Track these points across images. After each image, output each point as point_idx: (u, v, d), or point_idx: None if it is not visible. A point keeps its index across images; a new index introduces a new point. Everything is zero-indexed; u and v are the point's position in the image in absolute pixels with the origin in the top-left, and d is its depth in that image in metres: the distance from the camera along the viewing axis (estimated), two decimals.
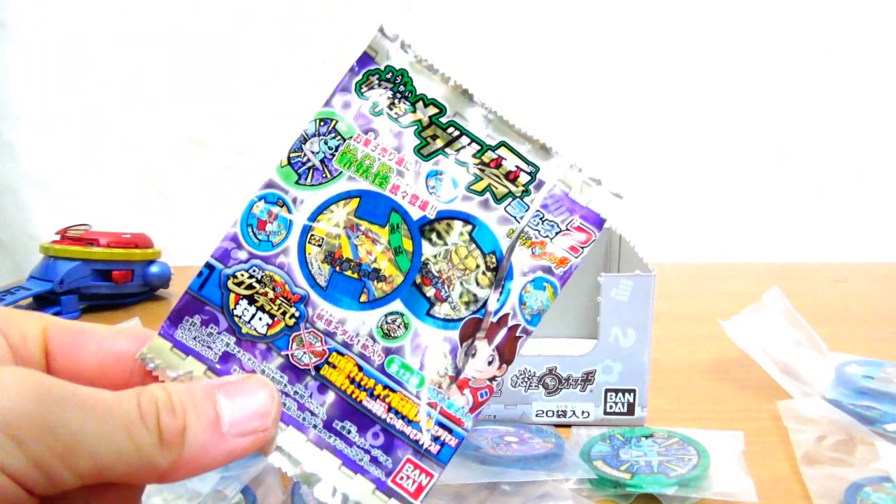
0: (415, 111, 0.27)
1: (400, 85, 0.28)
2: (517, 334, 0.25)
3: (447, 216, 0.26)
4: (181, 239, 0.80)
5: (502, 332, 0.25)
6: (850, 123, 0.83)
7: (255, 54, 0.82)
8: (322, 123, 0.27)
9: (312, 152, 0.26)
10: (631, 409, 0.40)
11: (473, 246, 0.26)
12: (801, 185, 0.85)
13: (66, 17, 0.81)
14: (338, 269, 0.25)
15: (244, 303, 0.25)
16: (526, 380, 0.39)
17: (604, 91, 0.82)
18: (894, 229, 0.86)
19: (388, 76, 0.28)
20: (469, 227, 0.26)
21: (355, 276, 0.25)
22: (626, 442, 0.37)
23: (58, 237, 0.67)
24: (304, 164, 0.26)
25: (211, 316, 0.24)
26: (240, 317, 0.25)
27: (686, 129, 0.83)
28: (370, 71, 0.28)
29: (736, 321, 0.48)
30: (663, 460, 0.34)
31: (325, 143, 0.27)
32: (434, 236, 0.26)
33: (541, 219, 0.26)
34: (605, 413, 0.40)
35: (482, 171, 0.27)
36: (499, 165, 0.27)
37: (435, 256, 0.26)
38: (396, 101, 0.27)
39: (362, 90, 0.28)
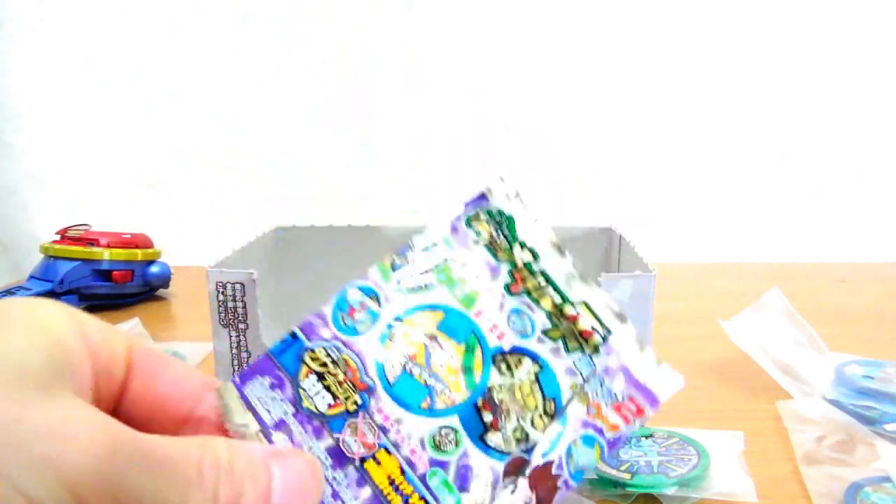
0: (511, 252, 0.30)
1: (504, 226, 0.30)
2: (557, 485, 0.25)
3: (519, 352, 0.27)
4: (181, 239, 0.80)
5: (545, 479, 0.26)
6: (851, 123, 0.83)
7: (255, 54, 0.82)
8: (431, 245, 0.30)
9: (414, 261, 0.29)
10: None
11: (537, 387, 0.27)
12: (801, 185, 0.85)
13: (66, 17, 0.81)
14: (409, 371, 0.27)
15: (313, 377, 0.26)
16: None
17: (605, 91, 0.82)
18: (894, 229, 0.86)
19: (496, 217, 0.31)
20: (537, 368, 0.27)
21: (422, 381, 0.26)
22: (626, 442, 0.37)
23: (58, 237, 0.67)
24: (404, 269, 0.29)
25: (279, 381, 0.26)
26: (305, 390, 0.26)
27: (686, 130, 0.83)
28: (481, 208, 0.31)
29: (736, 321, 0.48)
30: (663, 460, 0.34)
31: (428, 256, 0.29)
32: (503, 367, 0.27)
33: (601, 383, 0.27)
34: None
35: (559, 321, 0.28)
36: (575, 322, 0.28)
37: (500, 386, 0.27)
38: (498, 239, 0.30)
39: (471, 222, 0.31)
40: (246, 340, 0.40)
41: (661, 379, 0.28)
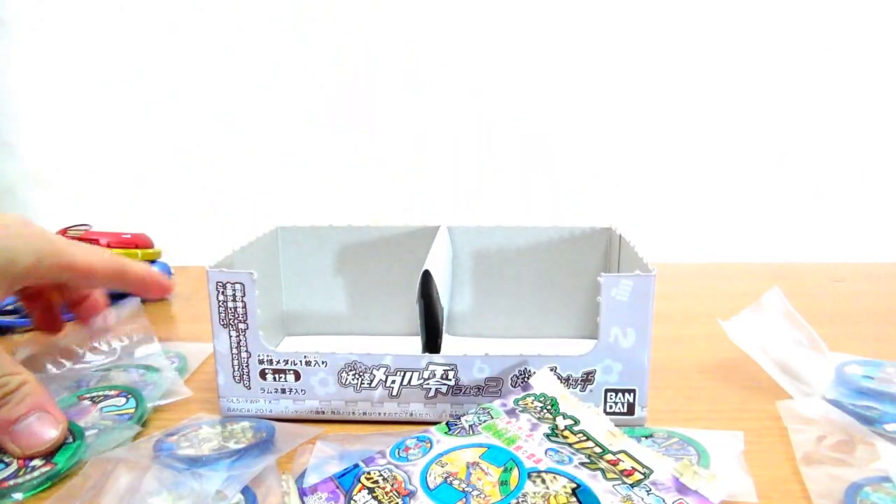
0: (554, 420, 0.35)
1: (547, 404, 0.36)
2: None
3: (556, 472, 0.30)
4: (181, 239, 0.80)
5: None
6: (850, 123, 0.83)
7: (255, 54, 0.82)
8: (482, 408, 0.35)
9: (466, 421, 0.34)
10: (631, 409, 0.40)
11: (574, 499, 0.29)
12: (801, 185, 0.85)
13: (66, 17, 0.81)
14: (448, 482, 0.30)
15: (365, 492, 0.30)
16: (526, 379, 0.39)
17: (605, 91, 0.82)
18: (894, 229, 0.86)
19: (541, 398, 0.36)
20: (573, 485, 0.30)
21: (461, 489, 0.29)
22: None
23: None
24: (457, 427, 0.34)
25: (335, 496, 0.30)
26: (356, 502, 0.29)
27: (686, 130, 0.83)
28: (528, 394, 0.37)
29: (736, 321, 0.48)
30: None
31: (478, 417, 0.35)
32: (539, 481, 0.30)
33: (647, 492, 0.29)
34: (605, 413, 0.40)
35: (598, 461, 0.32)
36: (616, 464, 0.32)
37: (534, 493, 0.29)
38: (543, 412, 0.35)
39: (519, 402, 0.36)
40: (246, 340, 0.40)
41: (711, 486, 0.30)
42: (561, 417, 0.35)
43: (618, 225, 0.51)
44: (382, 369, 0.40)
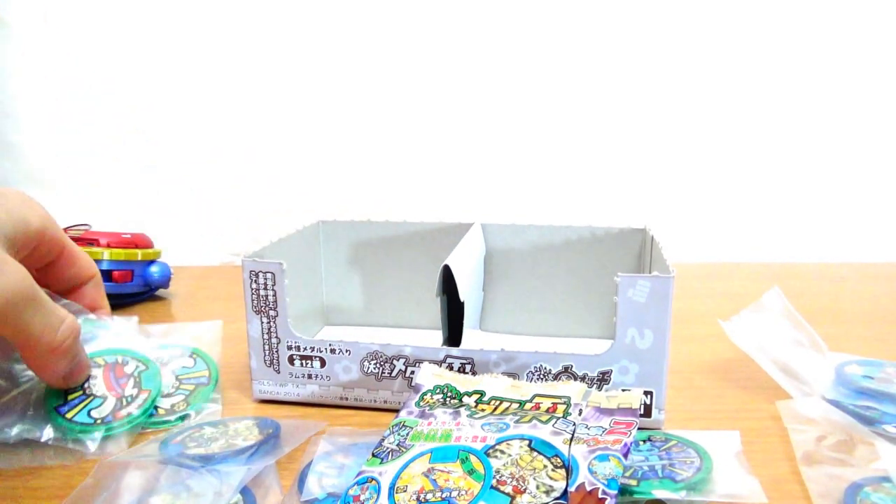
0: (461, 401, 0.36)
1: (447, 392, 0.37)
2: (600, 496, 0.28)
3: (505, 440, 0.32)
4: (181, 239, 0.80)
5: (586, 499, 0.28)
6: (850, 123, 0.83)
7: (249, 54, 0.82)
8: (395, 426, 0.35)
9: (390, 443, 0.33)
10: (648, 412, 0.40)
11: (536, 453, 0.30)
12: (800, 184, 0.85)
13: (67, 17, 0.81)
14: (423, 499, 0.29)
15: None
16: (541, 376, 0.40)
17: (603, 91, 0.82)
18: (894, 229, 0.86)
19: (437, 391, 0.37)
20: (526, 442, 0.31)
21: (439, 499, 0.29)
22: (635, 445, 0.37)
23: None
24: (384, 452, 0.33)
25: None
26: None
27: (685, 130, 0.83)
28: (423, 392, 0.38)
29: (736, 321, 0.48)
30: (666, 464, 0.34)
31: (398, 434, 0.34)
32: (498, 454, 0.31)
33: (587, 427, 0.32)
34: None
35: (525, 413, 0.34)
36: (538, 408, 0.34)
37: (504, 465, 0.30)
38: (447, 401, 0.37)
39: (420, 403, 0.37)
40: (276, 327, 0.42)
41: (625, 396, 0.34)
42: (467, 396, 0.36)
43: (651, 226, 0.50)
44: (402, 360, 0.41)
